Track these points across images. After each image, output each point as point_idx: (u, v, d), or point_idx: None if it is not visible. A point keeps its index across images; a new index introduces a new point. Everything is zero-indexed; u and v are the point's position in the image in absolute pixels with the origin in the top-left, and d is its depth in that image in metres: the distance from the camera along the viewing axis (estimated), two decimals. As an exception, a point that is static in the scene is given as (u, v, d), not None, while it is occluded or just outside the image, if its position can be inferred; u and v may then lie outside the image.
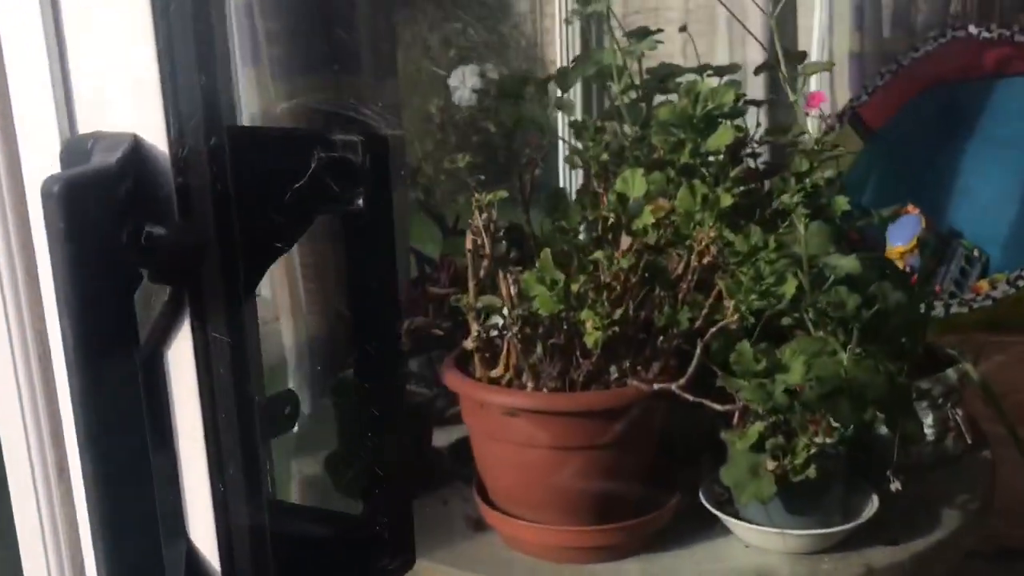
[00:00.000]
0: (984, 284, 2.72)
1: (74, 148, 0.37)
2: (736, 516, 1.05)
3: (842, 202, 1.06)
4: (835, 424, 0.97)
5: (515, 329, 1.00)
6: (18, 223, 0.41)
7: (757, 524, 1.03)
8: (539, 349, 1.03)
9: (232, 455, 0.40)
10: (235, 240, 0.35)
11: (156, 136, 0.36)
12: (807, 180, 1.05)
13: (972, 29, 2.85)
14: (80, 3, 0.38)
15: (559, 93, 1.22)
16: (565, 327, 1.00)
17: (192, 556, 0.38)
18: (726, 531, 1.08)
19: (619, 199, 1.03)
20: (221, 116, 0.36)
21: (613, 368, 1.01)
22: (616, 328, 0.98)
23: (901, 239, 2.68)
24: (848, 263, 0.94)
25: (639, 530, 1.04)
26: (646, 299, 1.03)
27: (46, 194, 0.32)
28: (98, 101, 0.39)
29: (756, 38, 1.16)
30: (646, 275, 1.01)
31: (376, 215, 0.40)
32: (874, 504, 1.06)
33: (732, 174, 0.99)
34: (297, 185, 0.37)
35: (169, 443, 0.40)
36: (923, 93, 3.01)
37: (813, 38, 3.23)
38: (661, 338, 1.01)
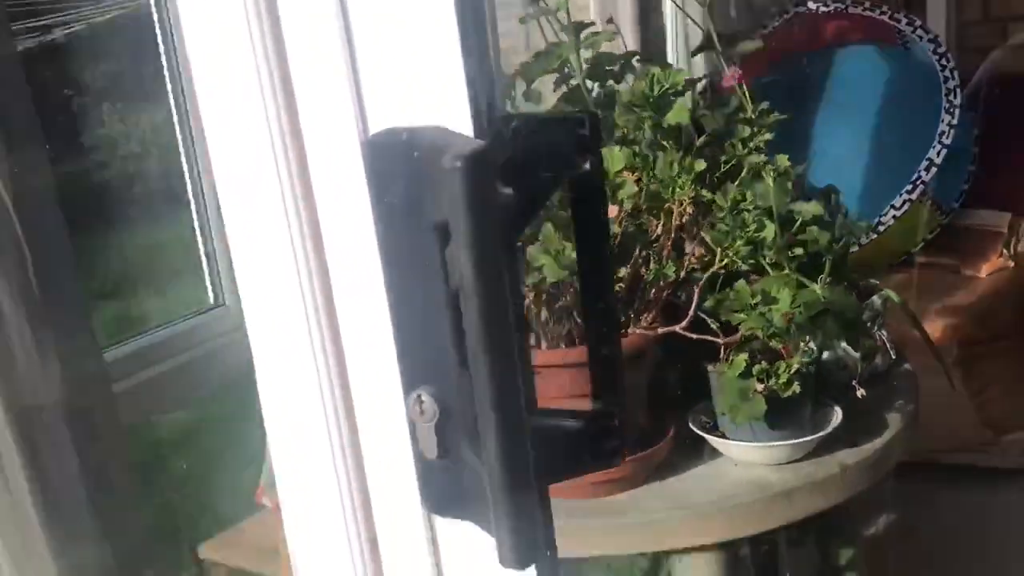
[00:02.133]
0: (858, 232, 3.01)
1: (386, 141, 0.47)
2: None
3: (783, 159, 1.23)
4: (808, 347, 1.14)
5: (530, 296, 1.12)
6: (309, 221, 0.50)
7: (745, 442, 1.20)
8: (545, 312, 1.16)
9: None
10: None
11: (462, 129, 0.46)
12: (752, 143, 1.22)
13: (811, 4, 3.14)
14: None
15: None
16: (571, 290, 1.13)
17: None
18: (715, 454, 1.24)
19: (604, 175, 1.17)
20: (497, 105, 0.47)
21: (612, 322, 1.15)
22: (617, 286, 1.11)
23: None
24: (811, 207, 1.11)
25: (648, 461, 1.19)
26: (632, 259, 1.17)
27: (454, 169, 0.41)
28: (397, 97, 0.48)
29: (695, 22, 1.32)
30: (633, 237, 1.16)
31: (597, 176, 0.52)
32: (838, 416, 1.24)
33: (698, 142, 1.15)
34: (573, 166, 0.49)
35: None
36: (774, 66, 3.28)
37: (667, 21, 3.45)
38: (653, 291, 1.16)
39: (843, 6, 3.08)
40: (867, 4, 3.03)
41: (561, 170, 0.50)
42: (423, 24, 0.47)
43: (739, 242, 1.05)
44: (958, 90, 2.79)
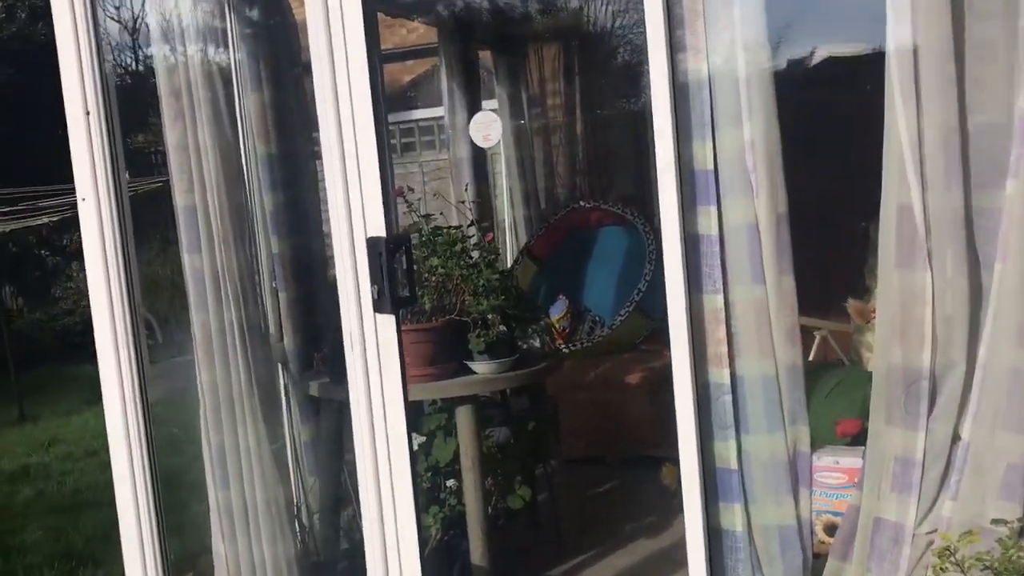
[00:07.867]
0: (600, 332, 5.18)
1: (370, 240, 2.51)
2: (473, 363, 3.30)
3: (494, 262, 3.37)
4: (501, 328, 3.24)
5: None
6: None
7: (480, 362, 3.28)
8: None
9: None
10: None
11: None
12: (485, 255, 3.38)
13: (582, 203, 5.43)
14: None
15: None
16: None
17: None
18: (470, 371, 3.31)
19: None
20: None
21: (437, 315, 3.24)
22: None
23: (556, 312, 5.09)
24: (495, 276, 3.22)
25: (445, 370, 3.25)
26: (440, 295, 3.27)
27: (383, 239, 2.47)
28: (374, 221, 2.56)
29: (466, 212, 3.49)
30: (441, 287, 3.27)
31: (409, 256, 2.60)
32: (515, 356, 3.33)
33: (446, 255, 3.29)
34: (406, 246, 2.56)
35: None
36: (564, 238, 5.52)
37: (503, 206, 5.71)
38: (447, 305, 3.25)
39: (600, 204, 5.38)
40: (611, 204, 5.32)
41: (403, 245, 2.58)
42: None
43: (472, 287, 3.15)
44: (654, 250, 5.04)
